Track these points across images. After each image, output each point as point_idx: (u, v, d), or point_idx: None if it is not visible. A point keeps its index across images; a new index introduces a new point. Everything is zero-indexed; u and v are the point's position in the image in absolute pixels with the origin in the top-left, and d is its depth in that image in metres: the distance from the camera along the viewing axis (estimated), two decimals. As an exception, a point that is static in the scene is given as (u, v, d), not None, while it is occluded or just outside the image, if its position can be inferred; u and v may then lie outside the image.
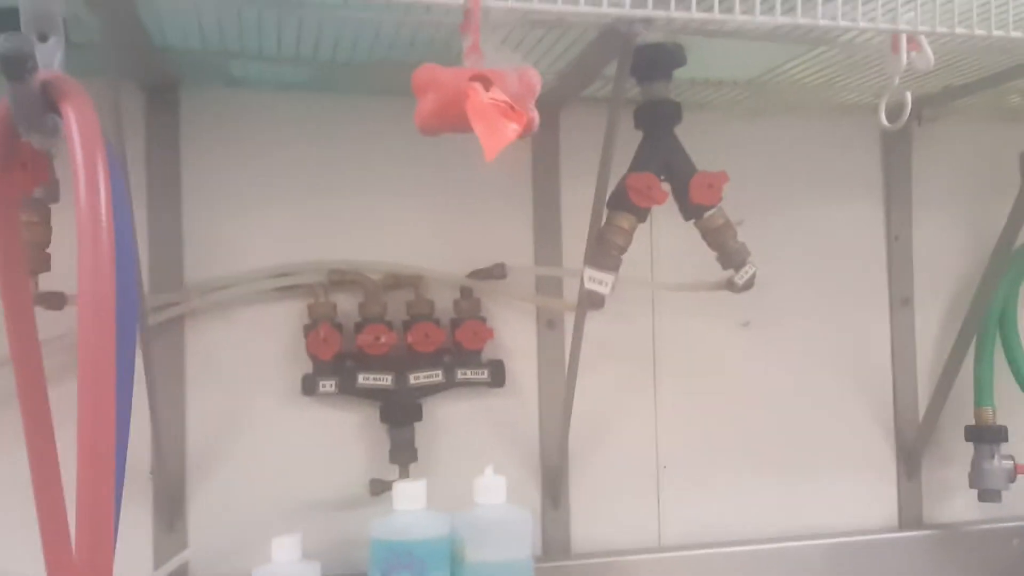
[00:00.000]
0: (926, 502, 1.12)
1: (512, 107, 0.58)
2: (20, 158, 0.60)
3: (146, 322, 0.82)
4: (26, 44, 0.46)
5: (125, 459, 0.59)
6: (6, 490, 0.85)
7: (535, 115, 0.62)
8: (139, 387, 0.81)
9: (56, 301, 0.79)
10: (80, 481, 0.43)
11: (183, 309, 0.91)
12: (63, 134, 0.48)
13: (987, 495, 1.06)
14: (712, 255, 0.91)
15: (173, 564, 0.88)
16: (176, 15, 0.73)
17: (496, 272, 0.99)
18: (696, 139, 0.89)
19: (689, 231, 0.90)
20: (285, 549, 0.83)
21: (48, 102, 0.48)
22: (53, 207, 0.77)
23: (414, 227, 0.98)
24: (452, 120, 0.60)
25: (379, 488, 0.93)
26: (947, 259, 1.14)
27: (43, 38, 0.54)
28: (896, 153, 1.13)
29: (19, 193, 0.63)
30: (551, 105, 0.99)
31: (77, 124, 0.45)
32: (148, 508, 0.90)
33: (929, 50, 0.78)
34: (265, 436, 0.94)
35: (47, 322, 0.76)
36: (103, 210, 0.42)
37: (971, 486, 1.07)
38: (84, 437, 0.44)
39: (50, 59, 0.53)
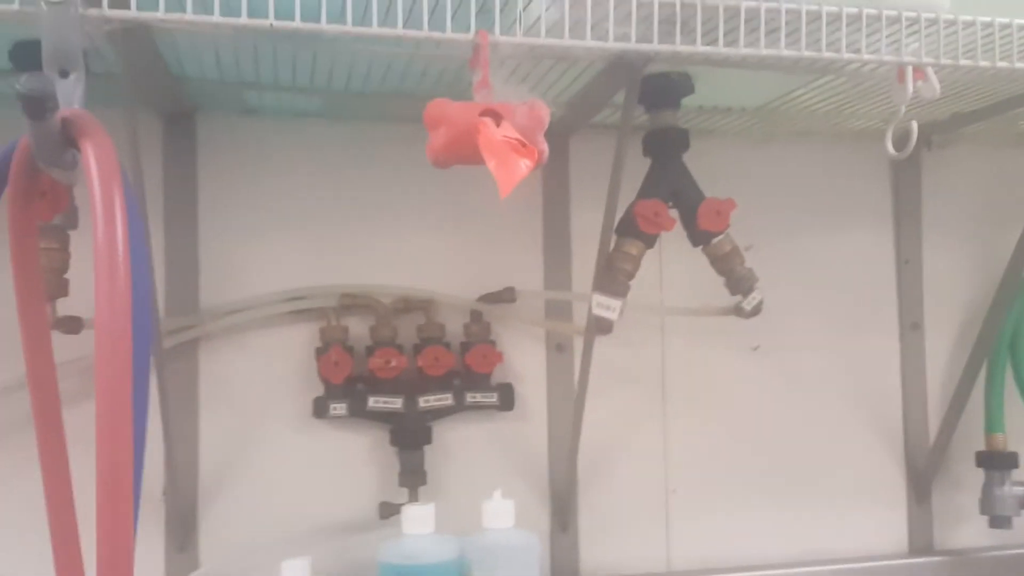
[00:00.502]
0: (936, 528, 1.12)
1: (523, 143, 0.59)
2: (40, 187, 0.61)
3: (161, 345, 0.83)
4: (47, 85, 0.47)
5: (141, 483, 0.59)
6: (20, 512, 0.86)
7: (545, 147, 0.63)
8: (153, 409, 0.83)
9: (73, 325, 0.81)
10: (99, 506, 0.44)
11: (198, 332, 0.92)
12: (82, 168, 0.50)
13: (998, 521, 1.05)
14: (720, 280, 0.91)
15: (184, 585, 0.89)
16: (194, 47, 0.75)
17: (506, 296, 0.99)
18: (704, 165, 0.90)
19: (697, 257, 0.91)
20: (294, 572, 0.83)
21: (68, 138, 0.50)
22: (72, 233, 0.78)
23: (425, 252, 1.00)
24: (464, 154, 0.61)
25: (388, 511, 0.94)
26: (957, 284, 1.14)
27: (64, 74, 0.55)
28: (906, 178, 1.13)
29: (38, 221, 0.64)
30: (561, 132, 1.00)
31: (96, 161, 0.46)
32: (160, 529, 0.91)
33: (935, 80, 0.78)
34: (276, 458, 0.95)
35: (65, 346, 0.77)
36: (120, 247, 0.43)
37: (982, 512, 1.06)
38: (102, 463, 0.44)
39: (70, 96, 0.54)
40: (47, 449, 0.59)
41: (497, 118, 0.60)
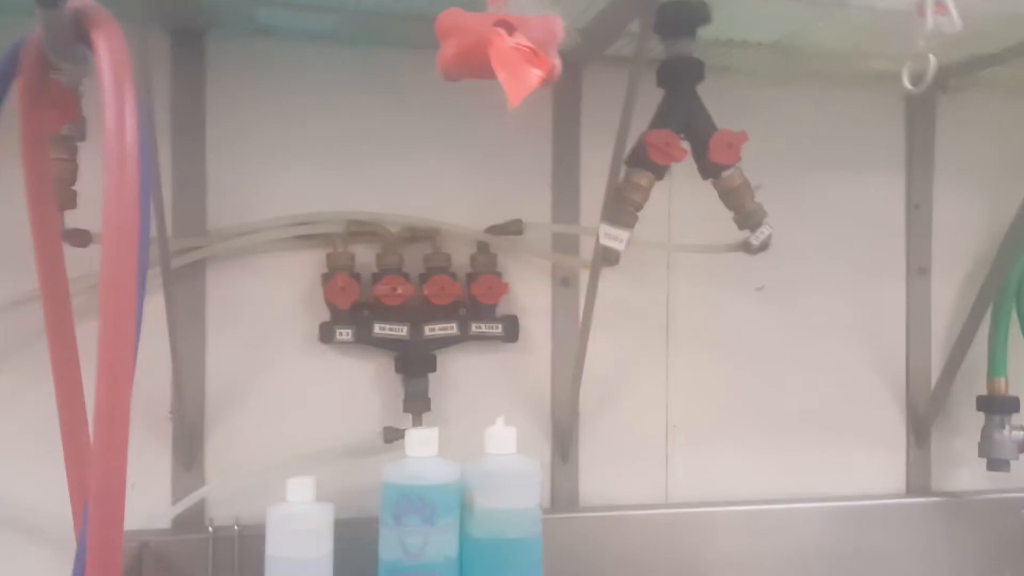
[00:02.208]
0: (935, 470, 1.13)
1: (535, 52, 0.58)
2: (49, 95, 0.61)
3: (169, 265, 0.84)
4: (59, -28, 0.47)
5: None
6: (33, 424, 0.87)
7: (558, 62, 0.62)
8: (161, 329, 0.84)
9: (81, 238, 0.81)
10: (98, 410, 0.44)
11: (205, 253, 0.92)
12: (92, 65, 0.49)
13: (996, 464, 1.06)
14: (729, 218, 0.91)
15: (190, 500, 0.91)
16: (204, -42, 0.74)
17: (513, 228, 0.99)
18: (718, 102, 0.89)
19: (707, 195, 0.90)
20: (299, 490, 0.85)
21: (79, 32, 0.49)
22: (80, 145, 0.78)
23: (433, 181, 0.99)
24: (475, 66, 0.60)
25: (392, 436, 0.95)
26: (966, 229, 1.14)
27: (73, -31, 0.55)
28: (920, 122, 1.12)
29: (48, 129, 0.64)
30: (573, 63, 0.99)
31: (107, 51, 0.45)
32: (167, 448, 0.92)
33: (955, 13, 0.77)
34: (282, 381, 0.96)
35: (72, 260, 0.78)
36: (129, 133, 0.43)
37: (980, 455, 1.08)
38: (104, 359, 0.44)
39: (81, -9, 0.53)
40: (60, 361, 0.59)
41: (510, 29, 0.60)
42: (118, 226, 0.42)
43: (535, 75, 0.57)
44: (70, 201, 0.78)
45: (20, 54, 0.54)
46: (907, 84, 0.83)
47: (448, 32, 0.61)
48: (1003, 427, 1.06)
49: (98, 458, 0.44)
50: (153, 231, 0.81)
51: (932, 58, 0.82)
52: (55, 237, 0.60)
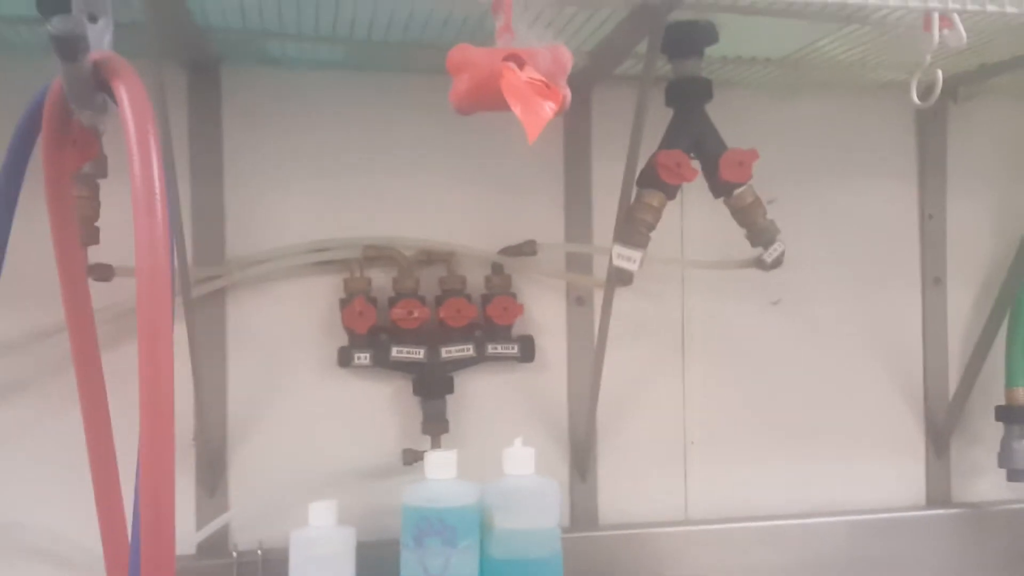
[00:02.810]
0: (954, 481, 1.12)
1: (547, 85, 0.59)
2: (71, 136, 0.62)
3: (190, 294, 0.85)
4: (79, 26, 0.48)
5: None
6: (61, 451, 0.88)
7: (567, 92, 0.63)
8: (183, 357, 0.85)
9: (105, 273, 0.83)
10: (143, 449, 0.44)
11: (225, 282, 0.94)
12: (112, 111, 0.51)
13: (1016, 475, 1.06)
14: (742, 234, 0.91)
15: (214, 526, 0.92)
16: (218, -5, 0.75)
17: (527, 249, 1.00)
18: (727, 117, 0.89)
19: (719, 210, 0.90)
20: (321, 514, 0.86)
21: (99, 81, 0.50)
22: (101, 182, 0.79)
23: (447, 204, 1.00)
24: (487, 100, 0.61)
25: (412, 458, 0.96)
26: (981, 239, 1.13)
27: (93, 19, 0.56)
28: (931, 132, 1.12)
29: (70, 168, 0.65)
30: (583, 84, 1.00)
31: (129, 102, 0.47)
32: (191, 474, 0.93)
33: (961, 27, 0.77)
34: (302, 406, 0.97)
35: (96, 293, 0.79)
36: (156, 182, 0.44)
37: (1000, 465, 1.07)
38: (146, 403, 0.45)
39: (100, 40, 0.55)
40: (87, 392, 0.60)
41: (520, 62, 0.60)
42: (151, 273, 0.43)
43: (548, 107, 0.58)
44: (93, 237, 0.79)
45: (43, 100, 0.55)
46: (915, 99, 0.83)
47: (459, 67, 0.62)
48: (1022, 437, 1.05)
49: (145, 491, 0.44)
50: (174, 262, 0.82)
51: (939, 73, 0.83)
52: (80, 273, 0.61)
